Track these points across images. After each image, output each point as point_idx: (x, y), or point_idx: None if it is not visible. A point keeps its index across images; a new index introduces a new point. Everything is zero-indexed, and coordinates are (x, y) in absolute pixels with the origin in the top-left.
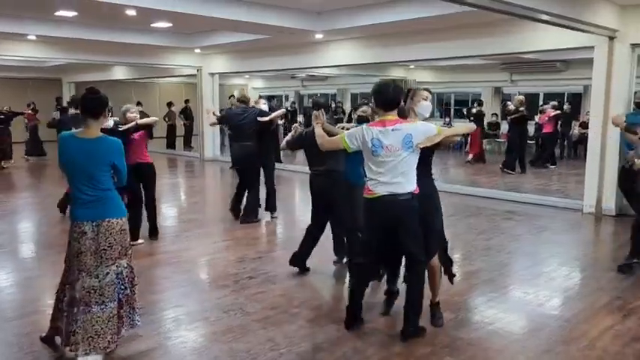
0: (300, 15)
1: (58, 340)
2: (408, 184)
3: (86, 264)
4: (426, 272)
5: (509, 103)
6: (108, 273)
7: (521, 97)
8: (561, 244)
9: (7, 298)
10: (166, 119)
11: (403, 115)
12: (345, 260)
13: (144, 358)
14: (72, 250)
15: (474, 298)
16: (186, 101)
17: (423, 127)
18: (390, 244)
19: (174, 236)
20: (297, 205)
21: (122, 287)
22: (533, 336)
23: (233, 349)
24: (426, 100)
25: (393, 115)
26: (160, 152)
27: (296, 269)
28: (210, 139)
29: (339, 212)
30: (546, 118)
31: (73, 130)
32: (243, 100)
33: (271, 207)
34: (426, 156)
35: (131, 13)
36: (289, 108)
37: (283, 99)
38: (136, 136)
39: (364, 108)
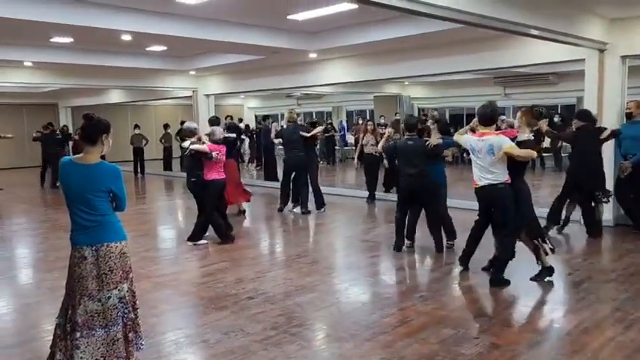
0: (294, 35)
1: None
2: (499, 176)
3: (88, 288)
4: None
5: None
6: (110, 297)
7: (435, 113)
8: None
9: (6, 325)
10: (162, 141)
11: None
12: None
13: None
14: (73, 275)
15: (474, 312)
16: (182, 123)
17: (500, 141)
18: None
19: (172, 258)
20: (293, 228)
21: (126, 311)
22: (535, 350)
23: None
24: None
25: (486, 129)
26: (157, 174)
27: (292, 288)
28: None
29: (427, 204)
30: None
31: (73, 156)
32: (293, 120)
33: (319, 204)
34: (517, 162)
35: (126, 37)
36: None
37: (279, 118)
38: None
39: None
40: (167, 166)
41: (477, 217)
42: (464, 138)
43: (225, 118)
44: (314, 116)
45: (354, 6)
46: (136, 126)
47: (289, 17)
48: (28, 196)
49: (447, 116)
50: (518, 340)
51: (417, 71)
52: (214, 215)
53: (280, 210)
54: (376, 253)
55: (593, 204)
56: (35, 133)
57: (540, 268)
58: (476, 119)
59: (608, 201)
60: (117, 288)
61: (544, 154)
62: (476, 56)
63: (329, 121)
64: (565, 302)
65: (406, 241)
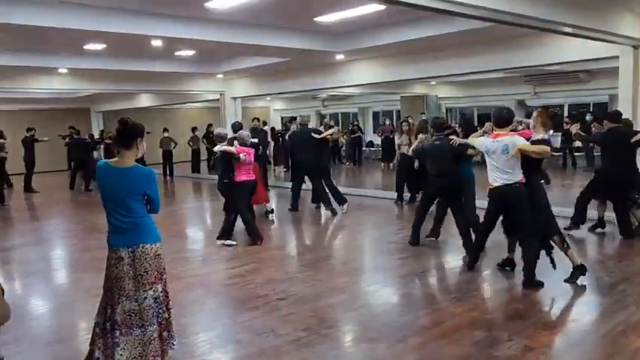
0: (321, 37)
1: None
2: (514, 176)
3: (125, 288)
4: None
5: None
6: (146, 297)
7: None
8: (592, 256)
9: (46, 324)
10: (190, 144)
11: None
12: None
13: None
14: (111, 276)
15: (507, 314)
16: (209, 126)
17: (514, 140)
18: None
19: (202, 259)
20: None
21: (160, 311)
22: (569, 352)
23: None
24: None
25: (501, 130)
26: (186, 176)
27: (323, 290)
28: None
29: (453, 205)
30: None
31: (109, 160)
32: (304, 123)
33: (340, 200)
34: (530, 160)
35: (157, 43)
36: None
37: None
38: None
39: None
40: (195, 169)
41: (483, 221)
42: (479, 141)
43: (252, 121)
44: (339, 118)
45: (382, 7)
46: (165, 129)
47: (316, 19)
48: (62, 199)
49: (475, 116)
50: (553, 342)
51: (445, 71)
52: (247, 215)
53: (291, 209)
54: (404, 255)
55: (627, 205)
56: (65, 138)
57: (572, 269)
58: (488, 124)
59: None
60: (152, 289)
61: (576, 154)
62: (506, 54)
63: (355, 122)
64: (600, 304)
65: (431, 237)
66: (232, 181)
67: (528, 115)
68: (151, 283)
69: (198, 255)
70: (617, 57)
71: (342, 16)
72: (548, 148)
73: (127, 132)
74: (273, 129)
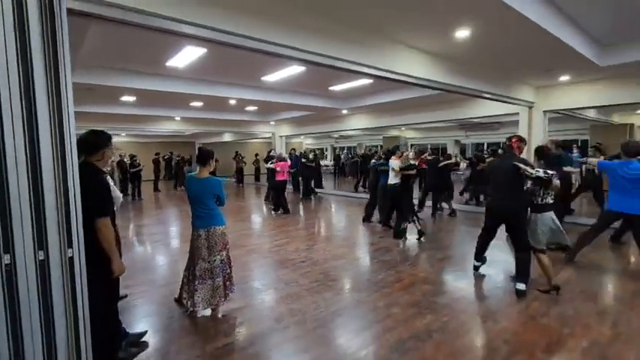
0: (333, 99)
1: (185, 301)
2: (393, 180)
3: (202, 254)
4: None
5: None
6: (215, 260)
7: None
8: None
9: (161, 274)
10: (254, 163)
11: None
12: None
13: (237, 313)
14: (193, 246)
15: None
16: (269, 151)
17: (392, 163)
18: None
19: (258, 235)
20: (334, 215)
21: (225, 267)
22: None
23: (292, 309)
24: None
25: (395, 156)
26: (251, 183)
27: (329, 256)
28: None
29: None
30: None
31: (193, 173)
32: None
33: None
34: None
35: (232, 102)
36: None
37: (324, 150)
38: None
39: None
40: (257, 179)
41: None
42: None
43: (291, 150)
44: (346, 150)
45: (370, 80)
46: (238, 154)
47: (330, 88)
48: (168, 196)
49: (429, 149)
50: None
51: (409, 120)
52: (281, 197)
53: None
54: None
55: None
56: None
57: (418, 233)
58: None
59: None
60: (219, 254)
61: None
62: (448, 111)
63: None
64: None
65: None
66: (274, 181)
67: (462, 151)
68: (219, 251)
69: (255, 232)
70: (518, 113)
71: (346, 86)
72: (412, 171)
73: (204, 154)
74: (301, 154)
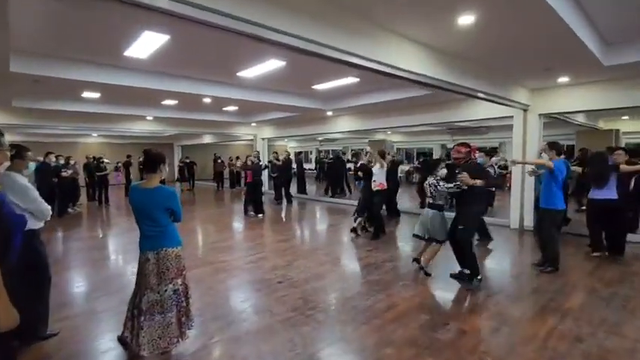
0: (317, 100)
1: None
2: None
3: (150, 283)
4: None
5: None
6: (166, 290)
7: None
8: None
9: (105, 301)
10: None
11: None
12: None
13: (195, 357)
14: (140, 272)
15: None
16: (247, 156)
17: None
18: None
19: (231, 247)
20: (312, 224)
21: (179, 300)
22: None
23: (261, 352)
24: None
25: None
26: (229, 189)
27: (310, 275)
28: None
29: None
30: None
31: (138, 182)
32: (277, 157)
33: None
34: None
35: (207, 100)
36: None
37: (309, 153)
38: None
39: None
40: (232, 185)
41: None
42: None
43: (272, 153)
44: (330, 153)
45: (356, 80)
46: (219, 157)
47: (313, 87)
48: None
49: (415, 153)
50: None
51: (396, 123)
52: (258, 197)
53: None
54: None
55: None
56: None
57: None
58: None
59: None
60: (172, 283)
61: None
62: (436, 114)
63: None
64: (510, 292)
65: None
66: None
67: (447, 155)
68: (172, 278)
69: (228, 244)
70: (508, 117)
71: (330, 85)
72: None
73: (151, 159)
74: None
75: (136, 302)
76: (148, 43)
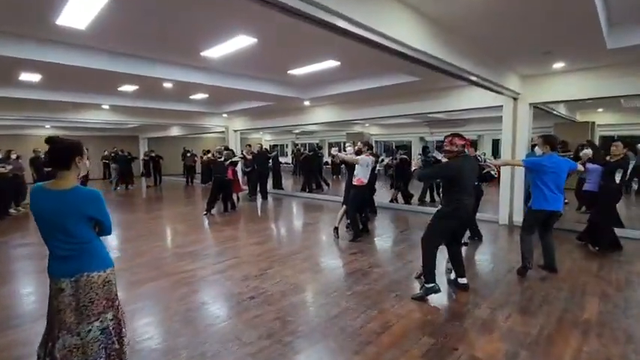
0: (293, 87)
1: None
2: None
3: (66, 322)
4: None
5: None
6: (90, 330)
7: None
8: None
9: (16, 336)
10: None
11: None
12: None
13: None
14: (51, 308)
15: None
16: (226, 148)
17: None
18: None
19: (194, 255)
20: (292, 224)
21: (110, 342)
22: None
23: None
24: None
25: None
26: (200, 183)
27: (288, 287)
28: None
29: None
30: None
31: (44, 182)
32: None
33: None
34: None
35: (168, 85)
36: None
37: (285, 147)
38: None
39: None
40: (206, 180)
41: None
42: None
43: (246, 146)
44: (307, 147)
45: (337, 63)
46: (188, 151)
47: (289, 72)
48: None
49: (394, 145)
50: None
51: (375, 114)
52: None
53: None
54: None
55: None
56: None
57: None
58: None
59: None
60: (99, 319)
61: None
62: (416, 104)
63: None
64: (511, 294)
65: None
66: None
67: (425, 148)
68: (98, 313)
69: (194, 249)
70: (494, 107)
71: (308, 70)
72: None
73: (60, 151)
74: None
75: (49, 349)
76: (82, 9)
